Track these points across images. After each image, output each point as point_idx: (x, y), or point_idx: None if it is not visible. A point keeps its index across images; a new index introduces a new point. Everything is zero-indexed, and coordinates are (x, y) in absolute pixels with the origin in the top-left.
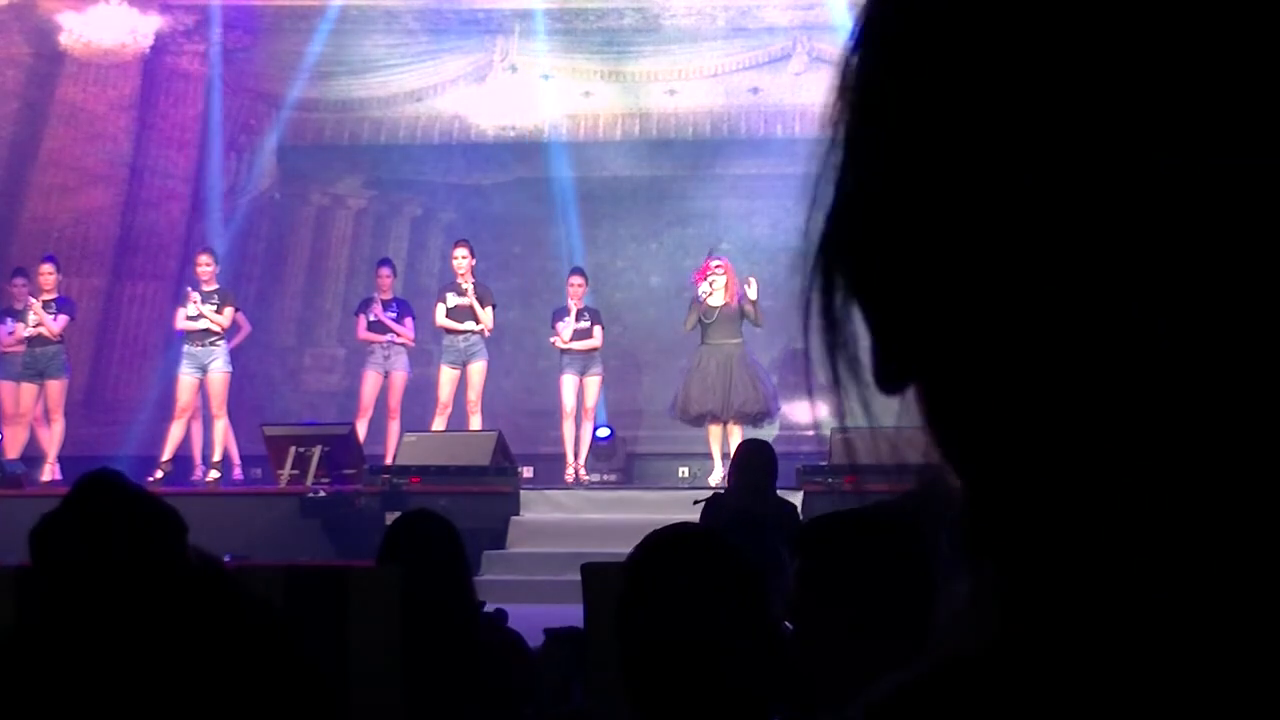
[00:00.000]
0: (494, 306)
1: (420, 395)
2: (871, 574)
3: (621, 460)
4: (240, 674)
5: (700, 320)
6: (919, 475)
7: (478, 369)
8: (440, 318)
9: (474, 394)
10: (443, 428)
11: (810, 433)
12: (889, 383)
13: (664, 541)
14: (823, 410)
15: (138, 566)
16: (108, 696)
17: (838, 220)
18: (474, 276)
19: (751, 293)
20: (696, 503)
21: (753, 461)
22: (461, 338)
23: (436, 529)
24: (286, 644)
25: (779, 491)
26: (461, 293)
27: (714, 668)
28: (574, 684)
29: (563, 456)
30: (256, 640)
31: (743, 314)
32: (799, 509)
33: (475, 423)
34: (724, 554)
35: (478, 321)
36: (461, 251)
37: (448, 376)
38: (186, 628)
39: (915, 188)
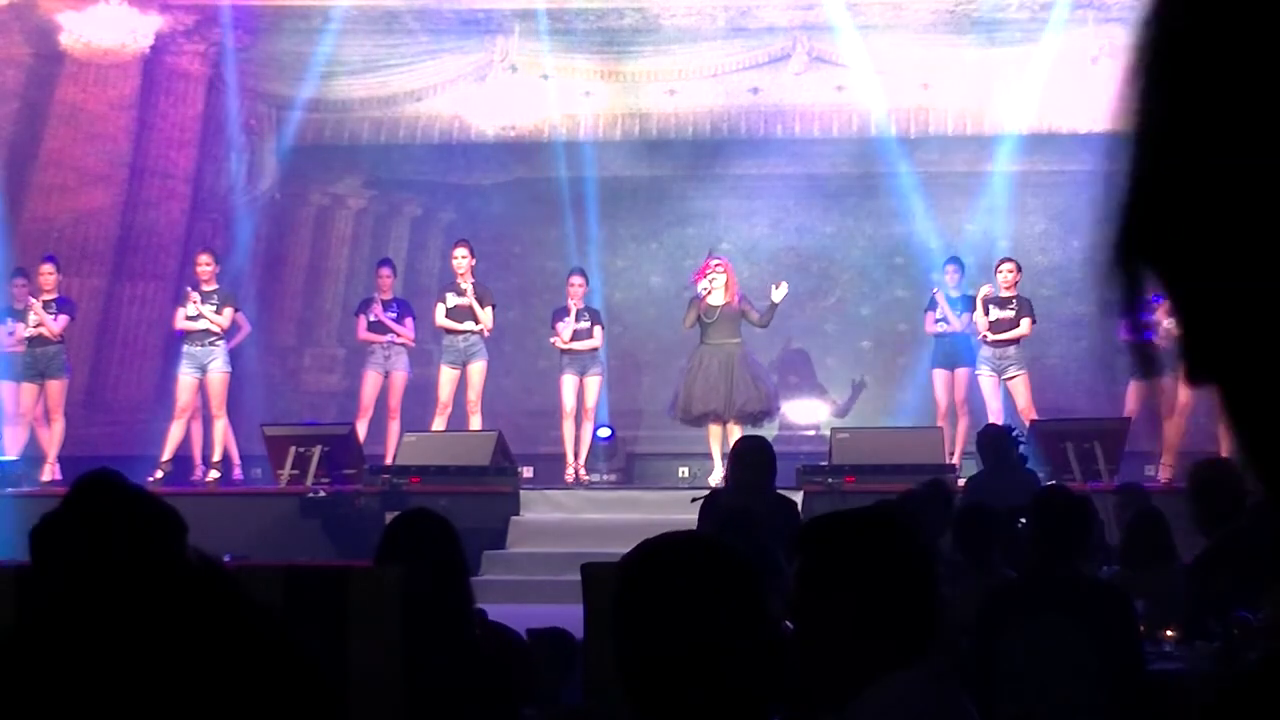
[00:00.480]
0: (494, 306)
1: (420, 395)
2: (871, 574)
3: (621, 460)
4: (240, 675)
5: (700, 319)
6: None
7: (477, 369)
8: (440, 318)
9: (474, 394)
10: (443, 428)
11: (810, 433)
12: (1196, 377)
13: (659, 547)
14: (823, 410)
15: (138, 566)
16: (107, 697)
17: (1138, 212)
18: (474, 276)
19: (777, 296)
20: (694, 500)
21: (750, 459)
22: (461, 338)
23: (435, 528)
24: (287, 645)
25: (780, 490)
26: (461, 293)
27: (712, 672)
28: (560, 684)
29: (563, 456)
30: (257, 641)
31: (742, 314)
32: (799, 508)
33: (475, 423)
34: (721, 557)
35: (477, 321)
36: (461, 251)
37: (447, 376)
38: (186, 628)
39: (1207, 177)
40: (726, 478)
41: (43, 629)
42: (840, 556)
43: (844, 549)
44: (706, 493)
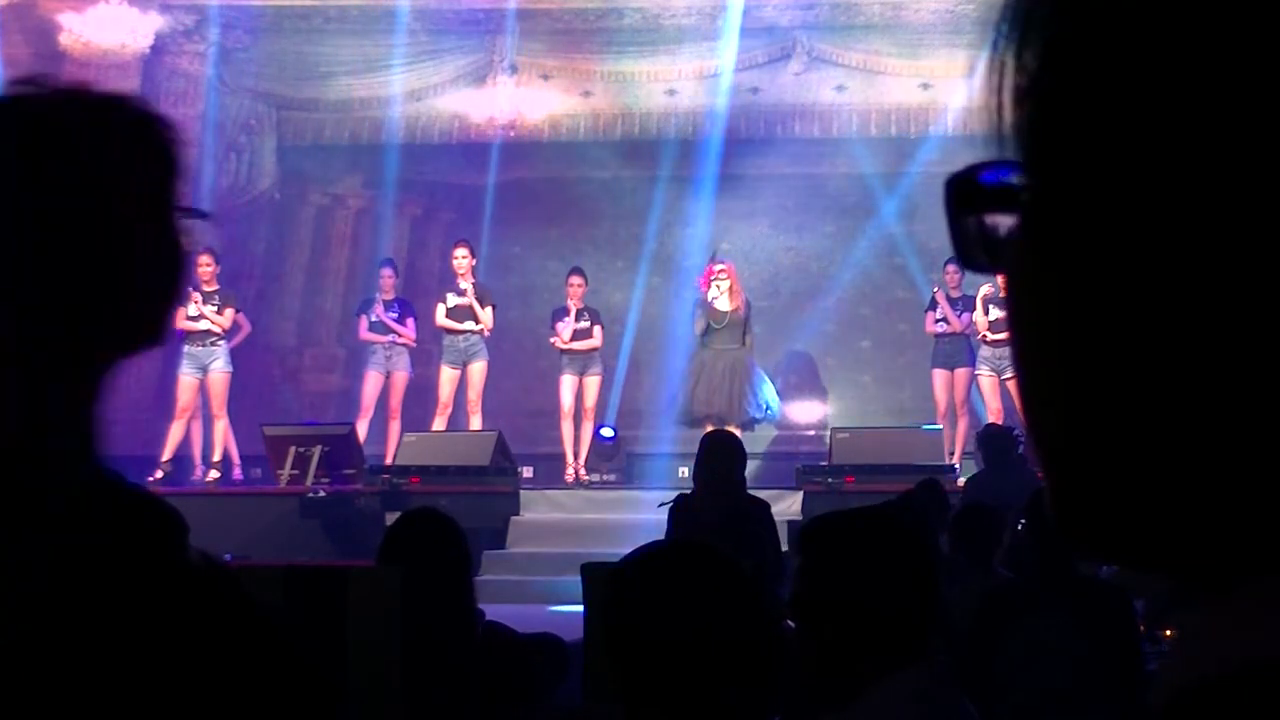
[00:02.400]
0: (494, 306)
1: (420, 395)
2: (872, 573)
3: (621, 460)
4: (241, 677)
5: (711, 325)
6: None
7: (478, 369)
8: (440, 318)
9: (474, 394)
10: (443, 428)
11: (810, 433)
12: None
13: (651, 555)
14: (823, 411)
15: (139, 567)
16: (107, 698)
17: None
18: (474, 276)
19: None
20: (662, 505)
21: (720, 454)
22: (461, 338)
23: (440, 528)
24: (288, 647)
25: (774, 490)
26: (461, 293)
27: (708, 676)
28: (553, 688)
29: (562, 456)
30: (257, 643)
31: (744, 322)
32: (800, 508)
33: (476, 423)
34: (712, 561)
35: (477, 321)
36: (461, 251)
37: (448, 376)
38: (187, 629)
39: None
40: (694, 477)
41: (45, 628)
42: (841, 556)
43: (845, 548)
44: (674, 496)
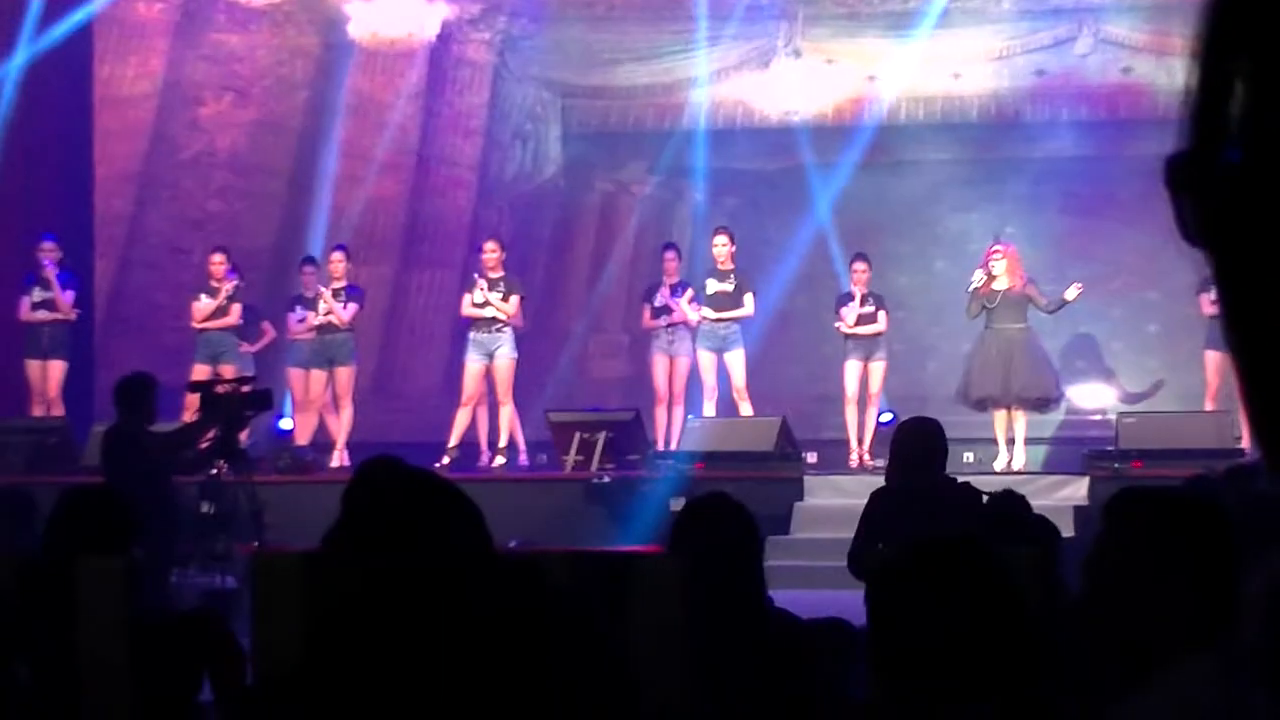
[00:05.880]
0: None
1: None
2: (1173, 553)
3: None
4: (549, 665)
5: (984, 306)
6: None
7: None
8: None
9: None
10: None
11: (1096, 418)
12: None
13: (923, 551)
14: (1110, 395)
15: (441, 552)
16: (415, 685)
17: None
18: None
19: (1070, 295)
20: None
21: (910, 443)
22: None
23: (730, 513)
24: (594, 637)
25: (1059, 476)
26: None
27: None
28: (843, 675)
29: (846, 442)
30: (565, 631)
31: (1028, 299)
32: (1086, 493)
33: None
34: (978, 557)
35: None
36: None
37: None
38: (496, 616)
39: None
40: (886, 469)
41: (337, 615)
42: (1145, 531)
43: (1150, 524)
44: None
